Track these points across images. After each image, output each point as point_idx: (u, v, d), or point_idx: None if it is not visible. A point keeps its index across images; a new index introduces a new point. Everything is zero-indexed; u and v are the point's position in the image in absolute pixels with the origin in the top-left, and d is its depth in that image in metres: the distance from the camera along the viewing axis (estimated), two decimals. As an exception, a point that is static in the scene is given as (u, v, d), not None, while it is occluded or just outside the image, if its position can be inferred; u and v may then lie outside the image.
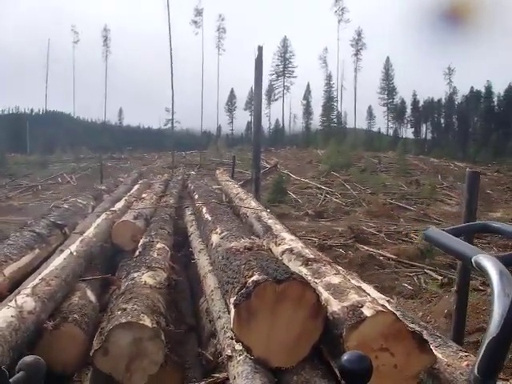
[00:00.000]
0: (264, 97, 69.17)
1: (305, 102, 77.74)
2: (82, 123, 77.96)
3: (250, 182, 16.09)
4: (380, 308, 2.91)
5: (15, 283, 4.56)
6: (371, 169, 31.72)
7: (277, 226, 5.76)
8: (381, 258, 11.59)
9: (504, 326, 0.83)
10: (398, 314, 3.11)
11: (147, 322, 3.37)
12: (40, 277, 4.19)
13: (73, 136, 52.14)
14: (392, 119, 78.55)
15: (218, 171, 15.82)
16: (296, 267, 3.99)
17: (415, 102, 78.87)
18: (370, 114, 79.80)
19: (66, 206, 8.62)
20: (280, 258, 4.37)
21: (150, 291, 4.00)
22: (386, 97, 77.30)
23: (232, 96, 79.08)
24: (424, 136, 79.65)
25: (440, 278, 10.07)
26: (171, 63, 39.58)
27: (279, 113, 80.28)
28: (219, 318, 4.00)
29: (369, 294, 3.34)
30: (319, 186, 25.69)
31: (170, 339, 3.84)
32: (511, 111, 69.76)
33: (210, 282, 4.75)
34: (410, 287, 9.62)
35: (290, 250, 4.57)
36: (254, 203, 7.74)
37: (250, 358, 3.10)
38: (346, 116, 74.89)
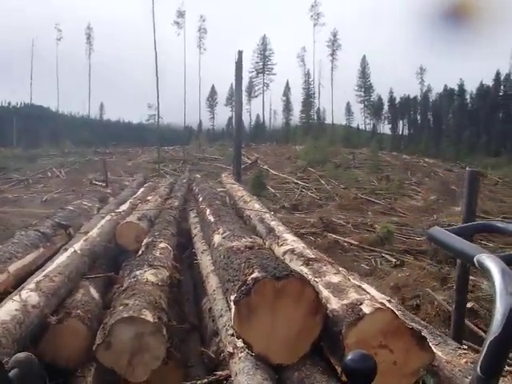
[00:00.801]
0: (244, 93, 71.77)
1: (284, 98, 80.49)
2: (63, 117, 77.71)
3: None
4: (379, 305, 2.94)
5: (19, 280, 4.60)
6: (346, 165, 33.13)
7: (279, 228, 5.79)
8: (345, 244, 12.80)
9: (506, 325, 0.83)
10: (398, 313, 3.14)
11: (149, 316, 3.41)
12: (44, 273, 4.24)
13: (54, 130, 52.11)
14: (369, 116, 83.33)
15: (223, 174, 16.02)
16: (297, 267, 4.02)
17: (392, 99, 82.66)
18: (349, 111, 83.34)
19: (71, 208, 8.67)
20: (282, 258, 4.41)
21: (152, 288, 4.04)
22: (362, 94, 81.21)
23: (213, 92, 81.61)
24: (401, 132, 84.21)
25: (394, 260, 11.16)
26: (156, 65, 40.00)
27: (260, 108, 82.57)
28: (221, 316, 4.04)
29: (368, 293, 3.37)
30: (296, 181, 26.93)
31: (172, 337, 3.88)
32: (483, 109, 72.57)
33: (212, 282, 4.79)
34: (367, 267, 10.76)
35: (292, 251, 4.61)
36: (257, 205, 7.78)
37: (251, 355, 3.13)
38: (324, 112, 77.84)
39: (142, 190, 12.39)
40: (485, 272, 0.98)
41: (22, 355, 1.24)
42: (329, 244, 12.37)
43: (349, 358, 1.10)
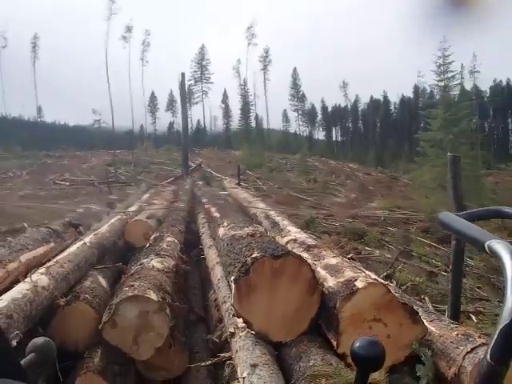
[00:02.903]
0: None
1: (223, 105, 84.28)
2: (11, 121, 77.27)
3: (179, 178, 21.85)
4: (371, 281, 3.05)
5: (30, 271, 4.77)
6: (279, 168, 36.26)
7: (284, 222, 5.94)
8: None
9: None
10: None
11: (153, 296, 3.55)
12: (54, 259, 4.39)
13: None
14: (304, 123, 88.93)
15: (225, 181, 16.38)
16: (298, 253, 4.13)
17: (324, 108, 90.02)
18: (286, 118, 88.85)
19: (81, 210, 8.86)
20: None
21: (158, 273, 4.18)
22: (296, 103, 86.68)
23: (153, 98, 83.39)
24: (335, 138, 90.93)
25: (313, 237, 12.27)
26: (107, 76, 41.41)
27: (199, 114, 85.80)
28: (224, 302, 4.16)
29: (364, 272, 3.48)
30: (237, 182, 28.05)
31: (176, 321, 4.01)
32: (404, 119, 76.97)
33: (218, 272, 4.92)
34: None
35: (294, 240, 4.74)
36: (261, 204, 7.92)
37: (252, 334, 3.25)
38: (261, 119, 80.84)
39: (147, 195, 12.59)
40: (496, 258, 0.95)
41: (40, 340, 1.19)
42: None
43: (356, 345, 1.04)
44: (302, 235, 4.97)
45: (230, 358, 3.56)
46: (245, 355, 3.01)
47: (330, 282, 3.28)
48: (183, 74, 14.23)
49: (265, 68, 78.56)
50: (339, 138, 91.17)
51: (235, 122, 78.28)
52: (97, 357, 3.66)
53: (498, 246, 0.96)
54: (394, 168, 42.16)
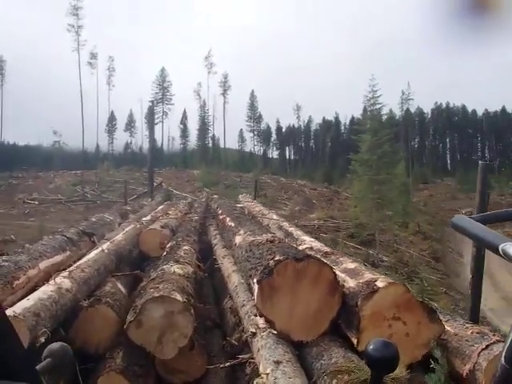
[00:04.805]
0: (144, 120, 76.07)
1: (182, 126, 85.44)
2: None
3: (142, 195, 24.69)
4: (392, 281, 3.16)
5: (48, 279, 4.86)
6: (234, 186, 37.83)
7: (298, 232, 6.04)
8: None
9: None
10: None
11: (178, 297, 3.64)
12: (75, 264, 4.51)
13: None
14: (259, 142, 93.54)
15: (240, 196, 16.57)
16: (316, 258, 4.25)
17: (278, 128, 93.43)
18: (242, 137, 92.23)
19: (94, 220, 8.97)
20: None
21: (179, 278, 4.27)
22: (252, 124, 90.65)
23: (112, 118, 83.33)
24: (288, 157, 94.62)
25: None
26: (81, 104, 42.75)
27: (159, 134, 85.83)
28: (243, 306, 4.23)
29: (382, 275, 3.59)
30: (195, 198, 28.97)
31: (197, 325, 4.09)
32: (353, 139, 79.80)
33: (234, 279, 5.00)
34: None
35: (310, 248, 4.84)
36: (275, 216, 8.04)
37: (273, 333, 3.34)
38: (218, 139, 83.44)
39: (161, 206, 12.71)
40: (510, 261, 0.96)
41: (56, 345, 1.20)
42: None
43: (371, 347, 1.05)
44: (317, 243, 5.08)
45: (249, 360, 3.65)
46: (267, 353, 3.08)
47: (351, 282, 3.38)
48: (152, 101, 15.26)
49: (224, 92, 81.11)
50: (292, 157, 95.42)
51: (192, 141, 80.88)
52: (118, 357, 3.74)
53: None
54: (340, 184, 45.38)
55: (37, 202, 27.23)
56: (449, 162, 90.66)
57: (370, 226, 19.79)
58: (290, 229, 6.34)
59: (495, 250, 1.00)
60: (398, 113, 73.83)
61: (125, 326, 3.60)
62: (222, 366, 3.93)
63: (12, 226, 17.01)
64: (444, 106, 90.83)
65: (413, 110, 79.67)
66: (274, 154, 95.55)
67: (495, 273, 17.07)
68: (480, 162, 5.60)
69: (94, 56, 61.13)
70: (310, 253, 4.63)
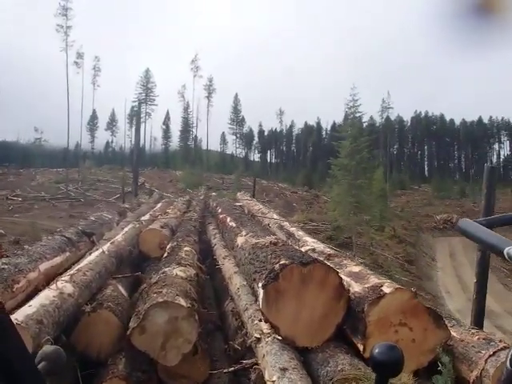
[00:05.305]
0: (127, 120, 78.47)
1: (164, 126, 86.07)
2: None
3: (126, 194, 24.39)
4: (398, 286, 3.13)
5: (49, 280, 4.82)
6: (216, 187, 38.95)
7: (299, 233, 5.99)
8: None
9: None
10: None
11: (182, 302, 3.60)
12: (76, 268, 4.46)
13: None
14: (241, 145, 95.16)
15: (239, 193, 16.50)
16: (319, 261, 4.21)
17: (261, 132, 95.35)
18: (224, 140, 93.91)
19: (93, 219, 8.92)
20: (304, 255, 4.60)
21: (182, 281, 4.23)
22: (234, 127, 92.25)
23: (94, 117, 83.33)
24: (269, 160, 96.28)
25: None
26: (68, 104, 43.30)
27: (141, 134, 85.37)
28: (246, 309, 4.18)
29: (387, 280, 3.56)
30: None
31: (200, 333, 4.05)
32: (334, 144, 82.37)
33: (236, 281, 4.95)
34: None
35: (313, 249, 4.80)
36: (275, 215, 8.00)
37: (278, 339, 3.30)
38: (201, 141, 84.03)
39: (159, 204, 12.66)
40: None
41: (49, 348, 1.20)
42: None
43: (376, 350, 1.04)
44: (319, 245, 5.04)
45: (253, 365, 3.62)
46: (273, 359, 3.04)
47: (356, 287, 3.35)
48: (140, 104, 15.19)
49: (209, 95, 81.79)
50: (274, 160, 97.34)
51: (174, 142, 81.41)
52: (121, 363, 3.70)
53: None
54: (319, 188, 45.59)
55: (20, 199, 27.50)
56: (426, 168, 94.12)
57: (347, 229, 20.73)
58: (292, 229, 6.31)
59: (500, 253, 1.00)
60: (378, 120, 78.87)
61: (128, 332, 3.56)
62: (225, 371, 3.89)
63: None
64: (423, 114, 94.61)
65: (393, 117, 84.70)
66: (255, 156, 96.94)
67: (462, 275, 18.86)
68: (486, 165, 5.59)
69: (80, 56, 60.99)
70: (313, 255, 4.62)
